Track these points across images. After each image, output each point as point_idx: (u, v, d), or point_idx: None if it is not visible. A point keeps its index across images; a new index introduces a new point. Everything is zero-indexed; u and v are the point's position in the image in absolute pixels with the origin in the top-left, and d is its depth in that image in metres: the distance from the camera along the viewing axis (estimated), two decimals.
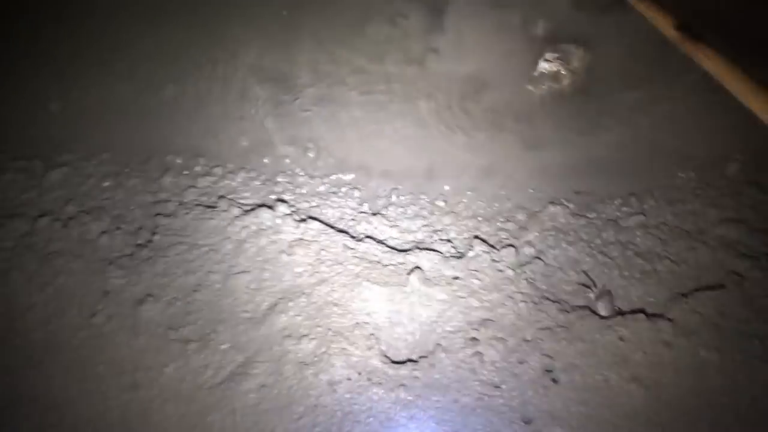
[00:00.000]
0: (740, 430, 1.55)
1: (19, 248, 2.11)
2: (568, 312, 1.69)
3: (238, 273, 1.93)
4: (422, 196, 2.11)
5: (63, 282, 2.01)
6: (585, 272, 1.77)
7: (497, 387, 1.60)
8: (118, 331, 1.85)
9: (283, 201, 2.08)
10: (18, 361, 1.84)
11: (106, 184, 2.27)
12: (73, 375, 1.79)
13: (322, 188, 2.16)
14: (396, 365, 1.66)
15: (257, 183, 2.20)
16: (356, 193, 2.12)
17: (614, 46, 2.03)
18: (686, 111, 1.95)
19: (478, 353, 1.64)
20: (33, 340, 1.90)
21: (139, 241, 2.09)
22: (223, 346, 1.76)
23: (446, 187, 2.13)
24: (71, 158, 2.34)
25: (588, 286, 1.76)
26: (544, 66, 2.02)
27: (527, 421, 1.54)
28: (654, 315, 1.65)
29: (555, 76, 2.02)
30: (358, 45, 2.24)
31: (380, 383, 1.63)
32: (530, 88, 2.06)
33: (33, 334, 1.91)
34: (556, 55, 2.02)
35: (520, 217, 1.99)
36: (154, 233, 2.09)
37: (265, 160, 2.25)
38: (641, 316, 1.64)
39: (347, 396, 1.63)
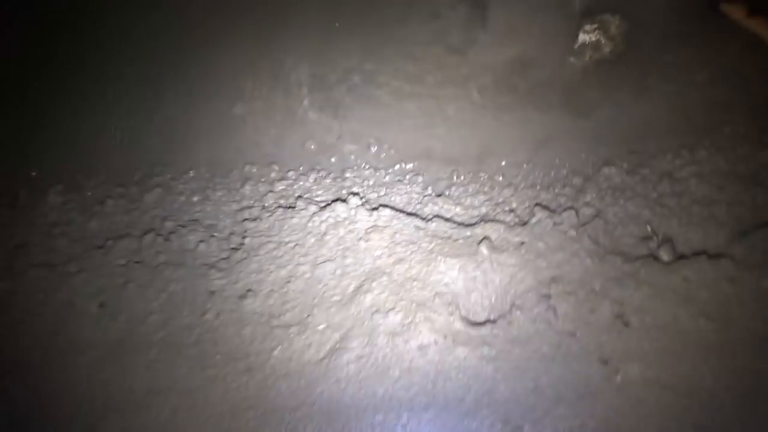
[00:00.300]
0: None
1: (131, 264, 2.42)
2: (632, 262, 1.83)
3: (323, 262, 2.15)
4: (481, 174, 2.28)
5: (173, 288, 2.29)
6: (645, 224, 1.90)
7: (573, 335, 1.75)
8: (227, 325, 2.12)
9: (354, 194, 2.29)
10: (147, 360, 2.13)
11: (195, 198, 2.55)
12: (195, 366, 2.06)
13: (387, 178, 2.36)
14: (477, 326, 1.85)
15: (328, 181, 2.43)
16: (419, 179, 2.32)
17: (650, 11, 2.13)
18: (729, 67, 2.04)
19: (551, 307, 1.80)
20: (156, 341, 2.19)
21: (232, 246, 2.35)
22: (320, 327, 1.99)
23: (503, 163, 2.29)
24: (161, 180, 2.64)
25: (649, 237, 1.88)
26: (583, 37, 2.15)
27: (604, 362, 1.69)
28: (715, 255, 1.76)
29: (595, 46, 2.15)
30: (402, 38, 2.43)
31: (465, 343, 1.82)
32: (573, 60, 2.19)
33: (155, 336, 2.21)
34: (595, 25, 2.14)
35: (577, 181, 2.13)
36: (244, 237, 2.35)
37: (332, 159, 2.47)
38: (703, 257, 1.76)
39: (437, 357, 1.82)
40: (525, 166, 2.22)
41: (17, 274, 2.49)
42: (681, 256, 1.78)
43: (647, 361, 1.63)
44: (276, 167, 2.50)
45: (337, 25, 2.48)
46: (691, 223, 1.84)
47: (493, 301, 1.88)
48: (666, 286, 1.71)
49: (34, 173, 2.84)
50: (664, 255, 1.78)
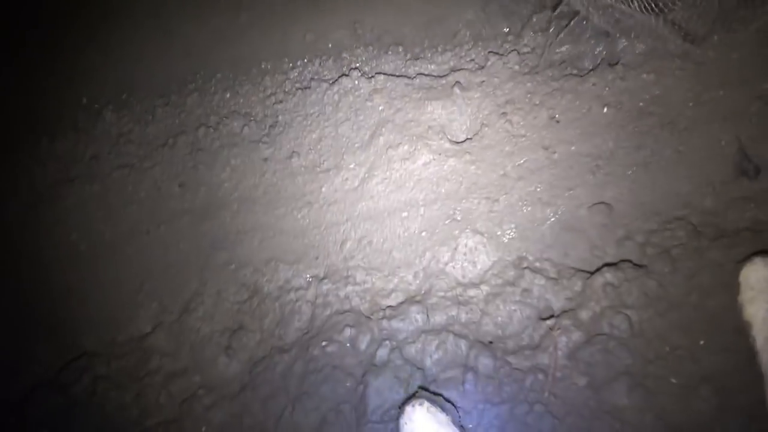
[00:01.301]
0: None
1: (194, 151, 3.21)
2: (558, 79, 2.70)
3: (343, 122, 2.97)
4: (447, 36, 3.06)
5: (234, 162, 3.08)
6: (564, 49, 2.74)
7: (524, 135, 2.65)
8: (283, 178, 2.95)
9: (354, 68, 3.08)
10: (231, 213, 3.01)
11: (228, 95, 3.30)
12: (269, 209, 2.93)
13: (375, 52, 3.13)
14: (460, 143, 2.73)
15: (330, 62, 3.18)
16: (400, 49, 3.09)
17: None
18: None
19: (508, 120, 2.67)
20: (234, 199, 3.03)
21: (269, 124, 3.15)
22: (351, 166, 2.85)
23: (459, 25, 3.07)
24: (195, 86, 3.37)
25: (565, 59, 2.74)
26: None
27: (546, 148, 2.61)
28: (613, 64, 2.63)
29: None
30: None
31: (453, 155, 2.67)
32: None
33: (231, 196, 3.04)
34: None
35: (515, 29, 2.94)
36: (276, 116, 3.14)
37: (329, 45, 3.21)
38: (605, 65, 2.63)
39: (436, 168, 2.71)
40: (477, 25, 2.99)
41: (103, 177, 3.27)
42: (590, 70, 2.65)
43: (572, 142, 2.54)
44: (286, 59, 3.24)
45: None
46: (597, 42, 2.67)
47: (468, 125, 2.75)
48: (581, 91, 2.60)
49: (84, 99, 3.54)
50: (580, 70, 2.65)
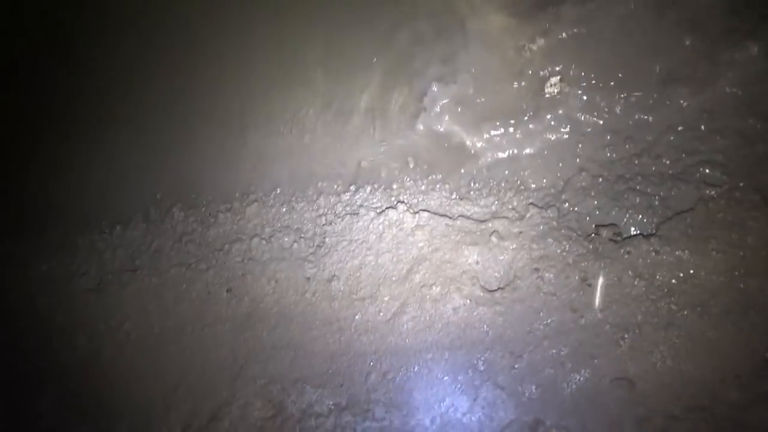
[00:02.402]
0: None
1: (246, 260, 3.45)
2: (594, 242, 2.77)
3: (383, 253, 3.14)
4: (491, 181, 3.21)
5: (279, 277, 3.31)
6: (605, 215, 2.82)
7: (554, 294, 2.72)
8: (321, 300, 3.14)
9: (401, 202, 3.26)
10: (269, 326, 3.19)
11: (284, 209, 3.55)
12: (303, 328, 3.10)
13: (423, 187, 3.31)
14: (491, 292, 2.82)
15: (379, 192, 3.39)
16: (447, 187, 3.26)
17: None
18: None
19: (540, 276, 2.75)
20: (274, 313, 3.23)
21: (316, 244, 3.36)
22: (385, 298, 2.99)
23: (506, 172, 3.22)
24: (256, 197, 3.63)
25: (605, 225, 2.81)
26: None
27: (574, 310, 2.66)
28: (648, 235, 2.68)
29: None
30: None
31: (483, 304, 2.79)
32: None
33: (272, 310, 3.24)
34: None
35: (559, 184, 3.05)
36: (324, 237, 3.35)
37: (382, 174, 3.42)
38: (640, 236, 2.68)
39: (465, 314, 2.81)
40: (522, 173, 3.13)
41: (162, 271, 3.54)
42: (627, 237, 2.71)
43: (601, 309, 2.58)
44: (340, 182, 3.46)
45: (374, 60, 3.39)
46: (633, 212, 2.74)
47: (501, 274, 2.84)
48: (615, 258, 2.65)
49: (158, 196, 3.89)
50: (616, 237, 2.71)
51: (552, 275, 2.63)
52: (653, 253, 2.54)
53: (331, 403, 2.69)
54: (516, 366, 2.48)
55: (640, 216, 2.73)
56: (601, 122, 2.87)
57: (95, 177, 4.10)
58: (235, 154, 3.79)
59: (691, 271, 2.44)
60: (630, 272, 2.53)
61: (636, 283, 2.48)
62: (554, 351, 2.45)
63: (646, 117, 2.79)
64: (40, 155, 4.25)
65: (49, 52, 4.35)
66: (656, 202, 2.65)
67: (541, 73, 3.00)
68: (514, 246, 2.82)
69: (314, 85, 3.68)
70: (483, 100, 3.22)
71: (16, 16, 4.38)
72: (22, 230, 3.98)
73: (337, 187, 3.42)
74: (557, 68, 2.98)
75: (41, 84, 4.36)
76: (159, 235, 3.71)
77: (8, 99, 4.39)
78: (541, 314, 2.56)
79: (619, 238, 2.67)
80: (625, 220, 2.73)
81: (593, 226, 2.77)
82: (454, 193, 3.18)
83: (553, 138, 3.02)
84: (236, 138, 3.82)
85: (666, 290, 2.41)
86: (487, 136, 3.19)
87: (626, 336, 2.38)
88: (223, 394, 2.89)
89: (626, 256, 2.56)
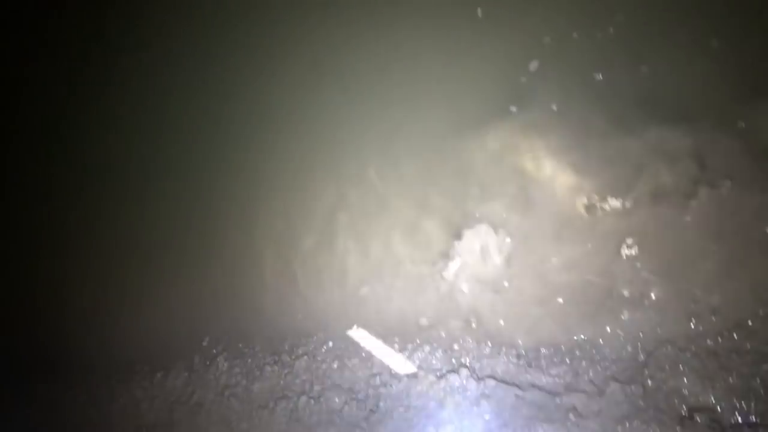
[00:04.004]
0: None
1: (291, 422, 3.18)
2: (687, 427, 2.44)
3: (446, 424, 2.84)
4: (561, 347, 2.96)
5: None
6: (698, 395, 2.52)
7: None
8: None
9: (463, 365, 3.01)
10: None
11: (335, 365, 3.32)
12: None
13: (487, 351, 3.07)
14: None
15: (439, 352, 3.15)
16: (514, 351, 3.01)
17: None
18: None
19: None
20: None
21: (369, 408, 3.08)
22: None
23: (582, 336, 2.97)
24: (306, 349, 3.44)
25: (706, 408, 2.50)
26: None
27: None
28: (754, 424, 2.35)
29: None
30: None
31: None
32: None
33: None
34: None
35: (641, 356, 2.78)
36: (379, 400, 3.08)
37: (442, 334, 3.21)
38: (760, 427, 2.35)
39: None
40: (599, 340, 2.88)
41: (200, 430, 3.27)
42: (736, 423, 2.37)
43: None
44: (397, 339, 3.25)
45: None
46: (734, 397, 2.43)
47: None
48: None
49: (204, 343, 3.72)
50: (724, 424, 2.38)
51: None
52: None
53: None
54: None
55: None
56: None
57: (141, 322, 4.00)
58: (289, 303, 3.67)
59: None
60: None
61: None
62: None
63: None
64: (83, 290, 4.21)
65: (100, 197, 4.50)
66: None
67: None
68: (595, 426, 2.50)
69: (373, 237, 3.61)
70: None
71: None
72: (60, 371, 3.82)
73: (395, 344, 3.21)
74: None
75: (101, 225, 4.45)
76: (201, 387, 3.52)
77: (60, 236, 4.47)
78: None
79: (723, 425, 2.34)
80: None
81: (688, 408, 2.46)
82: (522, 358, 2.93)
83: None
84: (292, 286, 3.72)
85: None
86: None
87: None
88: None
89: None
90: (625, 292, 2.80)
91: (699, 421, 2.40)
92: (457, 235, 3.19)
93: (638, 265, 2.76)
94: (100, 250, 4.26)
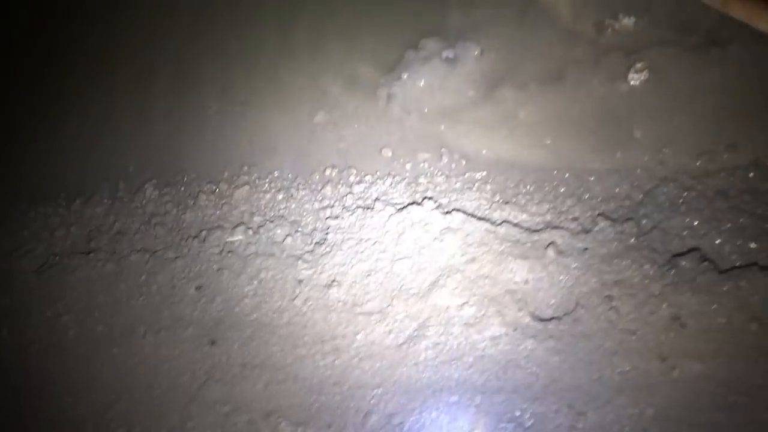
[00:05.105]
0: None
1: (224, 252, 2.71)
2: (688, 271, 2.04)
3: (401, 259, 2.40)
4: (545, 184, 2.50)
5: (264, 276, 2.57)
6: (700, 236, 2.10)
7: (633, 333, 1.97)
8: (315, 310, 2.38)
9: (428, 198, 2.54)
10: (243, 337, 2.42)
11: (280, 196, 2.83)
12: (287, 345, 2.33)
13: (458, 185, 2.60)
14: (544, 321, 2.07)
15: (402, 186, 2.68)
16: (487, 189, 2.54)
17: None
18: None
19: (614, 307, 2.01)
20: (250, 321, 2.48)
21: (315, 240, 2.62)
22: (399, 316, 2.24)
23: (566, 175, 2.51)
24: (248, 179, 2.92)
25: (702, 248, 2.09)
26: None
27: (663, 358, 1.90)
28: (765, 266, 1.96)
29: None
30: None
31: (533, 336, 2.05)
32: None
33: (249, 317, 2.49)
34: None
35: (635, 195, 2.34)
36: (326, 233, 2.62)
37: (407, 166, 2.72)
38: (755, 267, 1.95)
39: (507, 347, 2.06)
40: (590, 178, 2.42)
41: (120, 257, 2.80)
42: (734, 267, 1.98)
43: (702, 360, 1.83)
44: (354, 171, 2.76)
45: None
46: (744, 236, 2.02)
47: (559, 299, 2.10)
48: (720, 293, 1.91)
49: (131, 168, 3.16)
50: (720, 265, 1.98)
51: (630, 307, 1.88)
52: None
53: None
54: (578, 426, 1.71)
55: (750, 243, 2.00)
56: None
57: (59, 141, 3.38)
58: (231, 128, 3.10)
59: None
60: (742, 313, 1.77)
61: (753, 328, 1.72)
62: (634, 411, 1.70)
63: None
64: None
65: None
66: None
67: None
68: (577, 265, 2.07)
69: (331, 54, 3.01)
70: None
71: None
72: None
73: (351, 177, 2.70)
74: None
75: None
76: (124, 216, 2.99)
77: None
78: (615, 358, 1.81)
79: (723, 267, 1.93)
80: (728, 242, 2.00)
81: (686, 248, 2.04)
82: (497, 194, 2.46)
83: None
84: (234, 110, 3.12)
85: None
86: None
87: (738, 400, 1.61)
88: (172, 419, 2.14)
89: (736, 292, 1.81)
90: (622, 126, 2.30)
91: (696, 262, 1.99)
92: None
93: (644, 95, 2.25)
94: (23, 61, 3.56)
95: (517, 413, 1.90)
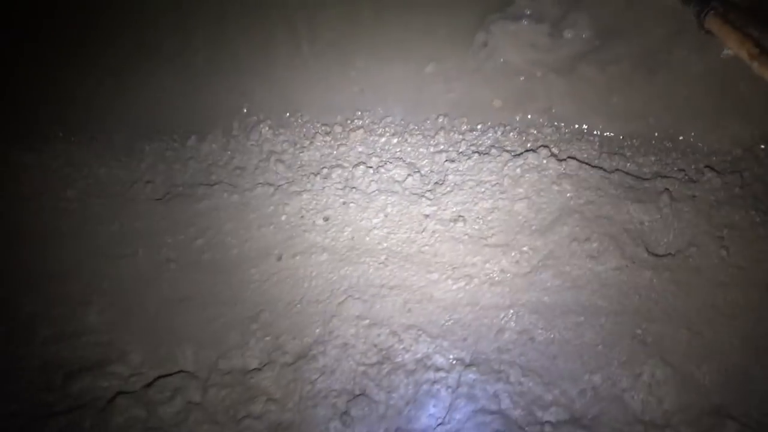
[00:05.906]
0: None
1: (348, 188, 2.98)
2: None
3: (521, 199, 2.68)
4: (650, 140, 2.77)
5: (390, 210, 2.84)
6: None
7: (743, 268, 2.28)
8: (443, 241, 2.67)
9: (543, 146, 2.81)
10: (378, 262, 2.70)
11: (395, 141, 3.09)
12: (421, 270, 2.62)
13: (566, 136, 2.87)
14: (660, 257, 2.38)
15: (513, 135, 2.94)
16: (595, 139, 2.81)
17: None
18: None
19: (724, 246, 2.32)
20: (382, 249, 2.75)
21: (434, 181, 2.90)
22: (524, 248, 2.54)
23: (670, 131, 2.78)
24: (362, 123, 3.17)
25: None
26: None
27: None
28: None
29: None
30: None
31: (651, 268, 2.35)
32: None
33: (380, 245, 2.76)
34: None
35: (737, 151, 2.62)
36: (446, 174, 2.89)
37: (517, 117, 2.97)
38: None
39: (627, 277, 2.36)
40: (690, 134, 2.69)
41: (245, 189, 3.06)
42: None
43: None
44: (465, 120, 3.01)
45: None
46: None
47: (672, 239, 2.40)
48: None
49: (245, 109, 3.40)
50: None
51: (740, 247, 2.18)
52: None
53: (452, 357, 2.24)
54: (694, 343, 2.05)
55: None
56: None
57: (171, 81, 3.60)
58: (343, 74, 3.33)
59: None
60: None
61: None
62: (747, 332, 2.02)
63: None
64: (112, 48, 3.74)
65: None
66: None
67: None
68: (689, 209, 2.37)
69: (441, 7, 3.22)
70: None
71: None
72: (80, 129, 3.47)
73: (463, 126, 2.96)
74: None
75: None
76: (241, 152, 3.23)
77: None
78: (728, 289, 2.14)
79: None
80: None
81: None
82: (604, 145, 2.73)
83: None
84: (345, 58, 3.35)
85: None
86: None
87: None
88: (315, 330, 2.43)
89: None
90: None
91: None
92: None
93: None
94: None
95: (638, 331, 2.21)
